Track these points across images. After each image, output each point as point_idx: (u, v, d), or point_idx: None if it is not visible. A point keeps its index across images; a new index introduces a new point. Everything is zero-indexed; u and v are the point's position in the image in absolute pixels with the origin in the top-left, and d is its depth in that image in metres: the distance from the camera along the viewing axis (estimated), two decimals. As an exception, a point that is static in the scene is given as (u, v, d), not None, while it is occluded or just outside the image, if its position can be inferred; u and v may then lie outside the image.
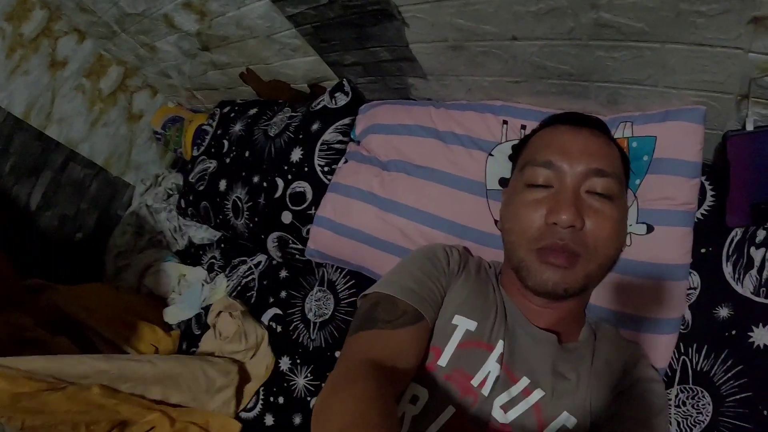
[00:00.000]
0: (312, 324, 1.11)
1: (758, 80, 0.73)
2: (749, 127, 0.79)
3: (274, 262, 1.23)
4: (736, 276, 0.84)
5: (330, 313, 1.10)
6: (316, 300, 1.13)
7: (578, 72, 0.85)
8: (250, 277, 1.24)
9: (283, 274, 1.21)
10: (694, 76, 0.77)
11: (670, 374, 0.84)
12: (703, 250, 0.86)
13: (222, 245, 1.40)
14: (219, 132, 1.41)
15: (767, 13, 0.63)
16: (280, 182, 1.16)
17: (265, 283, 1.22)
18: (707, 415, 0.80)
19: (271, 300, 1.18)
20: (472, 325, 0.68)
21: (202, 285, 1.34)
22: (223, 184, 1.30)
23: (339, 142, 1.15)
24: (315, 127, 1.15)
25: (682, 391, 0.83)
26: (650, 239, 0.82)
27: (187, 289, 1.36)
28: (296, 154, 1.15)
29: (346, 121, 1.16)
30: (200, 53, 1.32)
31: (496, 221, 0.93)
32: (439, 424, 0.62)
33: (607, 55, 0.79)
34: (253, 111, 1.35)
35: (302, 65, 1.17)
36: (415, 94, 1.11)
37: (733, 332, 0.81)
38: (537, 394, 0.65)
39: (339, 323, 1.08)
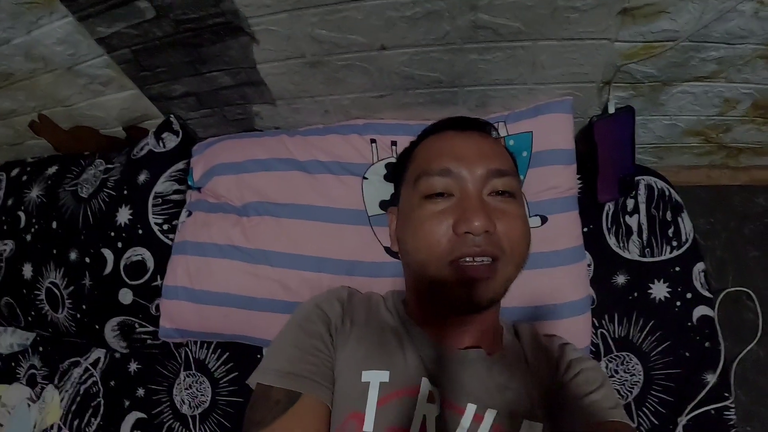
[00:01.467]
0: (190, 419, 0.88)
1: (623, 67, 0.76)
2: (611, 110, 0.85)
3: (118, 355, 0.96)
4: (621, 245, 0.91)
5: (209, 399, 0.89)
6: (186, 388, 0.90)
7: (448, 78, 0.80)
8: (89, 382, 0.95)
9: (134, 367, 0.94)
10: (562, 70, 0.78)
11: (594, 350, 0.87)
12: (585, 229, 0.89)
13: (41, 349, 1.06)
14: (10, 203, 1.07)
15: (636, 4, 0.65)
16: (108, 254, 0.90)
17: (112, 384, 0.94)
18: (640, 375, 0.85)
19: (127, 403, 0.91)
20: (384, 375, 0.59)
21: (29, 406, 1.00)
22: (28, 270, 0.98)
23: (176, 192, 0.94)
24: (142, 178, 0.92)
25: (610, 361, 0.87)
26: (546, 230, 0.82)
27: (8, 416, 1.01)
28: (123, 215, 0.91)
29: (181, 165, 0.95)
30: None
31: (386, 248, 0.83)
32: None
33: (480, 58, 0.76)
34: (52, 169, 1.05)
35: (116, 103, 0.93)
36: (260, 124, 0.96)
37: (635, 294, 0.89)
38: (489, 416, 0.58)
39: (225, 408, 0.88)
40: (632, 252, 0.90)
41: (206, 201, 0.92)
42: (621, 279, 0.89)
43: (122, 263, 0.90)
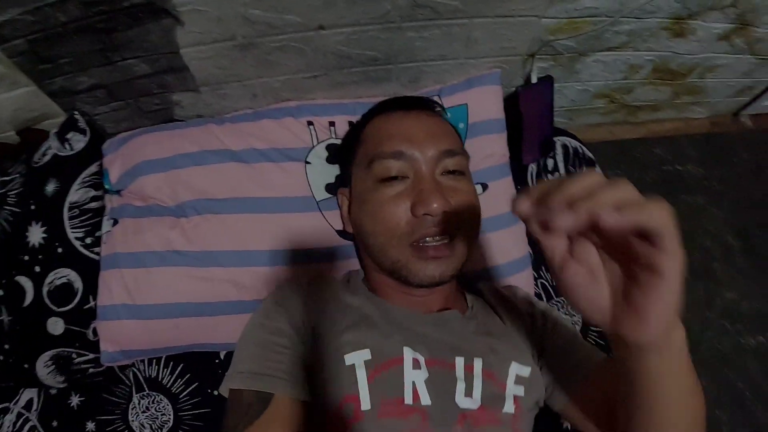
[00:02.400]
0: (153, 443, 0.82)
1: (550, 41, 0.82)
2: (534, 80, 0.91)
3: (54, 391, 0.85)
4: None
5: (171, 417, 0.83)
6: (143, 411, 0.83)
7: (384, 56, 0.80)
8: (26, 428, 0.83)
9: (76, 401, 0.84)
10: (493, 45, 0.82)
11: (537, 298, 0.92)
12: (513, 191, 0.94)
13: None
14: None
15: None
16: (24, 281, 0.78)
17: (54, 425, 0.83)
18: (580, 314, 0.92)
19: (77, 442, 0.82)
20: (366, 353, 0.60)
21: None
22: None
23: (93, 199, 0.83)
24: (51, 188, 0.80)
25: (553, 306, 0.93)
26: (487, 196, 0.87)
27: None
28: (35, 234, 0.79)
29: (94, 168, 0.84)
30: None
31: (338, 231, 0.83)
32: None
33: (418, 36, 0.76)
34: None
35: (8, 104, 0.79)
36: (180, 113, 0.87)
37: None
38: (478, 363, 0.62)
39: (191, 422, 0.82)
40: None
41: (132, 205, 0.83)
42: None
43: (45, 290, 0.78)
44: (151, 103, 0.83)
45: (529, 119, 0.94)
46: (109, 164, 0.84)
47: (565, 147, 1.02)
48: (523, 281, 0.88)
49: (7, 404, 0.83)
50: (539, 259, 0.96)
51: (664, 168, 1.11)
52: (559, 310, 0.95)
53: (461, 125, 0.87)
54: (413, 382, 0.58)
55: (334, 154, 0.85)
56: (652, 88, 1.00)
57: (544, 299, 0.95)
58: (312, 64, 0.79)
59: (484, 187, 0.87)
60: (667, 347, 0.39)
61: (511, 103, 0.94)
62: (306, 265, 0.81)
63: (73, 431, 0.83)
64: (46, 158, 0.82)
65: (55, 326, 0.79)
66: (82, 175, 0.82)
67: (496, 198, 0.87)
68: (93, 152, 0.84)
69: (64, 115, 0.83)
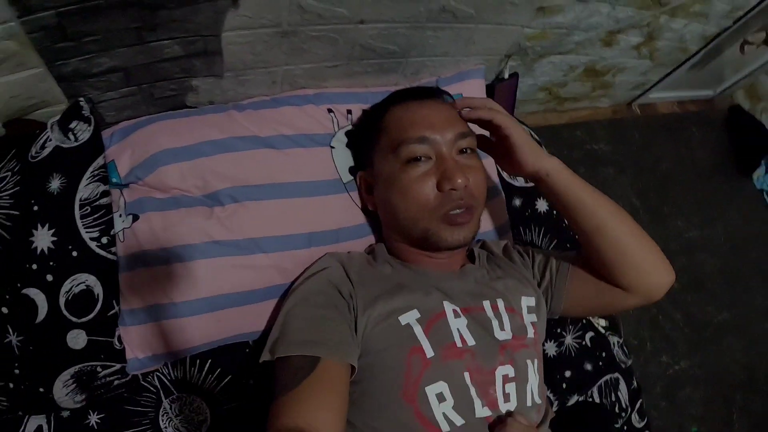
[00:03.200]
0: (193, 447, 0.77)
1: (526, 46, 1.01)
2: (506, 76, 1.07)
3: (66, 414, 0.74)
4: (511, 176, 1.10)
5: (209, 416, 0.78)
6: (177, 415, 0.77)
7: (401, 50, 0.88)
8: None
9: (94, 419, 0.73)
10: (485, 46, 0.97)
11: None
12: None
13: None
14: None
15: (547, 4, 0.91)
16: (35, 294, 0.67)
17: None
18: None
19: (107, 466, 0.73)
20: (415, 313, 0.69)
21: None
22: None
23: (104, 194, 0.75)
24: (56, 185, 0.71)
25: None
26: None
27: None
28: (43, 239, 0.69)
29: (102, 161, 0.76)
30: None
31: (362, 208, 0.88)
32: (475, 392, 0.65)
33: (434, 35, 0.87)
34: None
35: (4, 89, 0.67)
36: (193, 100, 0.83)
37: (528, 210, 1.12)
38: (500, 302, 0.75)
39: (233, 415, 0.79)
40: (520, 181, 1.14)
41: (153, 198, 0.76)
42: (517, 202, 1.13)
43: (62, 300, 0.69)
44: (166, 89, 0.78)
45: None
46: (116, 156, 0.77)
47: (518, 131, 1.20)
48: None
49: (13, 438, 0.71)
50: (512, 222, 1.09)
51: (585, 147, 1.38)
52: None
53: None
54: (458, 329, 0.69)
55: (352, 139, 0.89)
56: (580, 83, 1.26)
57: None
58: (339, 54, 0.83)
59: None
60: (550, 171, 0.75)
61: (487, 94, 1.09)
62: (336, 245, 0.85)
63: (98, 454, 0.74)
64: (47, 151, 0.71)
65: (77, 339, 0.71)
66: (91, 169, 0.74)
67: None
68: (99, 143, 0.76)
69: (62, 104, 0.74)
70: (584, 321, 1.11)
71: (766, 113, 1.85)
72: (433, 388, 0.63)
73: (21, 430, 0.71)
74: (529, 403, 0.69)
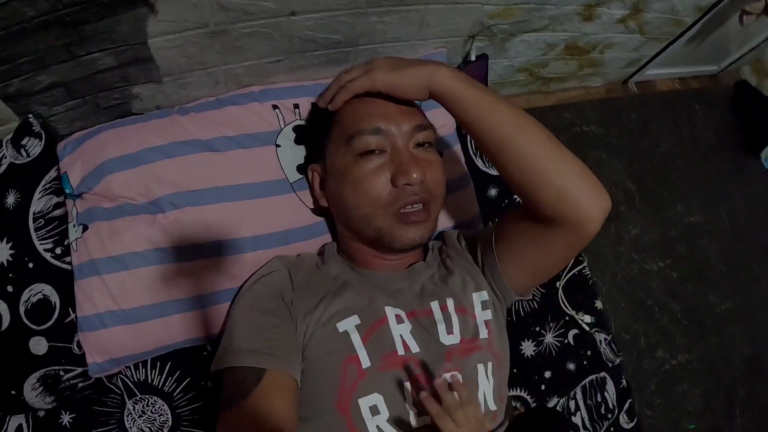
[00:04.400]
0: (155, 446, 0.81)
1: (489, 25, 0.94)
2: (472, 58, 1.01)
3: (42, 413, 0.80)
4: (487, 164, 1.08)
5: (170, 417, 0.82)
6: (139, 415, 0.81)
7: (347, 39, 0.84)
8: None
9: (67, 419, 0.79)
10: (442, 28, 0.90)
11: None
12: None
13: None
14: None
15: None
16: (-2, 304, 0.73)
17: None
18: None
19: (77, 461, 0.78)
20: (354, 319, 0.67)
21: None
22: None
23: (56, 206, 0.79)
24: (11, 200, 0.75)
25: None
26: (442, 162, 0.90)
27: None
28: (2, 252, 0.74)
29: (53, 173, 0.79)
30: None
31: (311, 209, 0.86)
32: (411, 403, 0.63)
33: (379, 20, 0.82)
34: None
35: None
36: (139, 106, 0.85)
37: (506, 201, 1.09)
38: (450, 302, 0.71)
39: (191, 417, 0.83)
40: (490, 166, 1.09)
41: (101, 207, 0.79)
42: (493, 192, 1.08)
43: (21, 309, 0.74)
44: (110, 98, 0.80)
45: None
46: (68, 167, 0.79)
47: (493, 115, 1.15)
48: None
49: (-6, 436, 0.77)
50: (486, 214, 1.05)
51: (573, 129, 1.30)
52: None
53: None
54: (401, 335, 0.67)
55: (302, 135, 0.87)
56: (563, 62, 1.18)
57: None
58: (278, 48, 0.81)
59: (440, 154, 0.96)
60: (431, 87, 0.68)
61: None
62: (286, 247, 0.84)
63: (70, 450, 0.79)
64: (2, 168, 0.76)
65: (38, 346, 0.75)
66: (42, 182, 0.78)
67: (449, 163, 0.95)
68: (50, 156, 0.79)
69: (15, 122, 0.78)
70: (567, 318, 1.06)
71: None
72: (366, 400, 0.62)
73: (4, 428, 0.78)
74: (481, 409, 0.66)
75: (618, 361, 1.06)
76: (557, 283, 1.08)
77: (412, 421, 0.62)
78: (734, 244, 1.44)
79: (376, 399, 0.62)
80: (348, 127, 0.72)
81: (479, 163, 1.09)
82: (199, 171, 0.80)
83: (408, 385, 0.63)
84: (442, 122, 0.96)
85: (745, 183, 1.57)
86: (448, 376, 0.64)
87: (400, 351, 0.65)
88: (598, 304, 1.09)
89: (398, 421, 0.62)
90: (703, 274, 1.35)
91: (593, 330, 1.06)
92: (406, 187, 0.68)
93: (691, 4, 1.12)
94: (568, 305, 1.07)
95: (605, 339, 1.07)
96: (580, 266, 1.10)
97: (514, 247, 0.72)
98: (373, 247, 0.74)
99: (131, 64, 0.75)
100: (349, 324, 0.66)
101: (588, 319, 1.07)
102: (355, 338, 0.65)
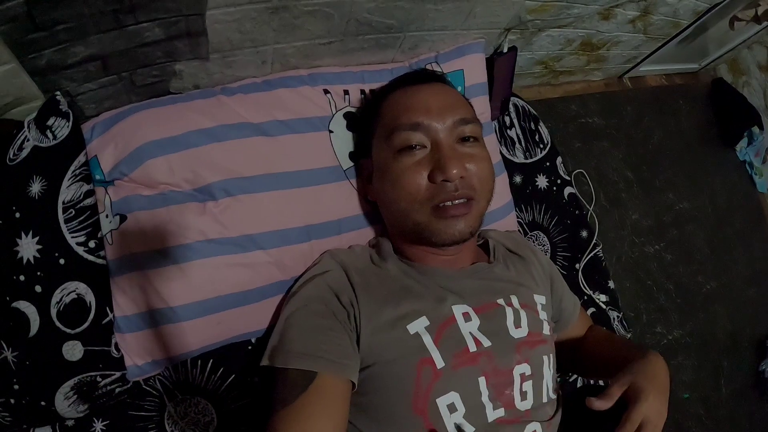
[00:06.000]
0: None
1: (526, 20, 0.95)
2: (504, 49, 1.02)
3: (71, 422, 0.71)
4: (510, 152, 1.12)
5: (215, 417, 0.76)
6: (182, 417, 0.75)
7: (400, 24, 0.82)
8: None
9: (99, 427, 0.71)
10: (485, 19, 0.91)
11: None
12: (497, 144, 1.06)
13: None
14: None
15: None
16: (26, 307, 0.63)
17: None
18: (548, 244, 1.11)
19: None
20: (424, 321, 0.65)
21: None
22: None
23: (88, 194, 0.69)
24: (36, 188, 0.65)
25: (528, 240, 1.09)
26: None
27: None
28: (28, 248, 0.64)
29: (83, 158, 0.70)
30: None
31: (363, 196, 0.83)
32: (488, 397, 0.63)
33: (434, 7, 0.81)
34: None
35: None
36: (176, 85, 0.77)
37: (529, 188, 1.11)
38: (515, 299, 0.72)
39: (239, 415, 0.77)
40: (519, 157, 1.13)
41: (140, 195, 0.71)
42: (518, 179, 1.11)
43: (53, 311, 0.65)
44: (148, 75, 0.71)
45: (497, 83, 1.05)
46: (98, 150, 0.71)
47: (515, 106, 1.16)
48: (510, 222, 1.02)
49: (15, 457, 0.67)
50: (514, 200, 1.08)
51: (579, 120, 1.36)
52: (534, 243, 1.11)
53: (459, 88, 0.93)
54: (470, 333, 0.66)
55: (352, 122, 0.84)
56: (575, 57, 1.23)
57: (522, 234, 1.09)
58: (333, 30, 0.77)
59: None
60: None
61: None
62: (339, 236, 0.81)
63: (105, 461, 0.72)
64: (25, 152, 0.65)
65: (73, 351, 0.67)
66: (72, 168, 0.68)
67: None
68: (79, 139, 0.70)
69: (38, 100, 0.67)
70: (585, 298, 1.11)
71: (747, 86, 1.85)
72: (444, 399, 0.61)
73: (23, 445, 0.68)
74: (545, 400, 0.68)
75: (628, 336, 1.12)
76: (576, 266, 1.13)
77: (489, 414, 0.63)
78: (716, 229, 1.58)
79: (453, 397, 0.62)
80: (388, 123, 0.71)
81: (504, 151, 1.12)
82: (251, 156, 0.75)
83: (483, 380, 0.63)
84: (480, 111, 0.96)
85: (724, 173, 1.74)
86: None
87: (472, 348, 0.65)
88: (611, 284, 1.16)
89: (475, 416, 0.62)
90: (692, 256, 1.48)
91: (608, 308, 1.12)
92: (445, 183, 0.66)
93: (690, 8, 1.21)
94: (586, 286, 1.12)
95: (618, 316, 1.14)
96: (597, 249, 1.16)
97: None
98: (418, 242, 0.73)
99: (180, 37, 0.67)
100: (419, 325, 0.65)
101: (604, 298, 1.14)
102: (428, 340, 0.64)
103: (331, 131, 0.82)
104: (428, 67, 0.91)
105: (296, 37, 0.76)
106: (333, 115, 0.82)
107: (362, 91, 0.86)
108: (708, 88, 1.84)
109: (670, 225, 1.45)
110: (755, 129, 1.79)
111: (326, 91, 0.83)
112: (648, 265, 1.36)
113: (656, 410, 0.59)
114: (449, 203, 0.67)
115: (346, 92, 0.84)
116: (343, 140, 0.83)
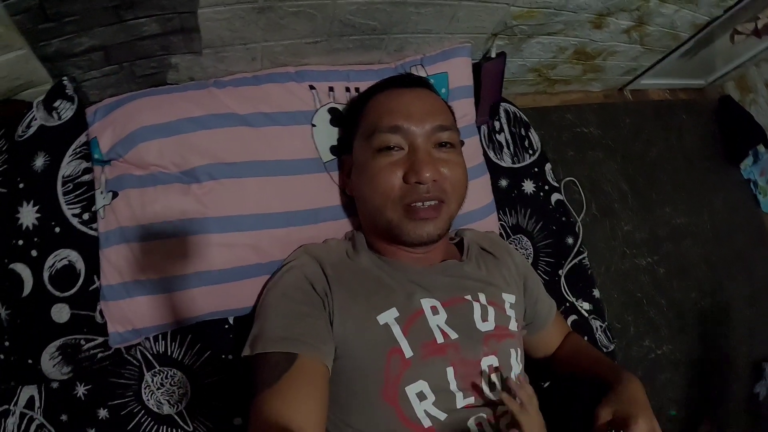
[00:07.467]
0: (177, 417, 0.79)
1: (512, 25, 0.99)
2: (493, 55, 1.06)
3: (55, 385, 0.77)
4: (497, 156, 1.14)
5: (189, 389, 0.81)
6: (158, 388, 0.80)
7: (382, 26, 0.87)
8: (33, 427, 0.74)
9: (82, 390, 0.77)
10: (470, 24, 0.95)
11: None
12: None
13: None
14: None
15: None
16: (21, 269, 0.70)
17: (64, 419, 0.75)
18: (531, 248, 1.12)
19: (93, 431, 0.76)
20: (393, 313, 0.69)
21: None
22: None
23: (86, 171, 0.77)
24: (40, 162, 0.73)
25: (510, 243, 1.10)
26: (463, 151, 0.92)
27: None
28: (28, 215, 0.71)
29: (84, 138, 0.77)
30: None
31: (342, 189, 0.88)
32: (457, 386, 0.66)
33: (416, 11, 0.86)
34: None
35: None
36: (173, 77, 0.84)
37: (515, 192, 1.14)
38: (482, 296, 0.75)
39: (212, 390, 0.81)
40: (506, 161, 1.15)
41: (131, 175, 0.78)
42: (504, 182, 1.14)
43: (45, 275, 0.71)
44: (146, 67, 0.78)
45: (485, 87, 1.08)
46: (99, 132, 0.78)
47: (506, 111, 1.19)
48: (491, 223, 1.04)
49: (6, 406, 0.74)
50: (497, 203, 1.10)
51: (574, 130, 1.37)
52: (516, 246, 1.12)
53: (443, 90, 0.98)
54: (437, 325, 0.69)
55: (336, 117, 0.89)
56: (570, 66, 1.25)
57: (504, 237, 1.10)
58: (318, 30, 0.83)
59: (461, 143, 1.00)
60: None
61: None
62: (316, 225, 0.85)
63: (86, 421, 0.77)
64: (32, 130, 0.73)
65: (61, 313, 0.73)
66: (73, 146, 0.75)
67: (469, 152, 0.98)
68: (81, 121, 0.77)
69: (47, 84, 0.75)
70: (567, 304, 1.12)
71: (754, 104, 1.83)
72: (413, 387, 0.64)
73: (15, 400, 0.75)
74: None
75: (612, 347, 1.12)
76: (560, 272, 1.14)
77: (458, 402, 0.65)
78: (715, 246, 1.56)
79: (422, 385, 0.65)
80: (370, 123, 0.75)
81: (491, 154, 1.14)
82: (235, 144, 0.81)
83: (450, 369, 0.66)
84: (463, 113, 1.00)
85: (725, 190, 1.71)
86: (512, 375, 0.71)
87: (440, 339, 0.68)
88: (596, 293, 1.16)
89: (444, 404, 0.65)
90: (687, 272, 1.46)
91: (591, 317, 1.13)
92: (418, 185, 0.69)
93: (689, 21, 1.22)
94: (569, 292, 1.12)
95: (601, 326, 1.13)
96: (581, 256, 1.16)
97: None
98: (390, 239, 0.76)
99: (175, 33, 0.74)
100: (389, 317, 0.68)
101: (587, 306, 1.14)
102: (396, 330, 0.67)
103: (313, 125, 0.87)
104: (413, 69, 0.95)
105: (283, 36, 0.82)
106: (317, 110, 0.88)
107: (347, 89, 0.91)
108: (714, 105, 1.83)
109: (665, 239, 1.44)
110: (761, 148, 1.77)
111: (312, 87, 0.88)
112: (639, 277, 1.36)
113: (649, 430, 0.62)
114: (420, 204, 0.70)
115: (331, 89, 0.90)
116: (325, 134, 0.87)
